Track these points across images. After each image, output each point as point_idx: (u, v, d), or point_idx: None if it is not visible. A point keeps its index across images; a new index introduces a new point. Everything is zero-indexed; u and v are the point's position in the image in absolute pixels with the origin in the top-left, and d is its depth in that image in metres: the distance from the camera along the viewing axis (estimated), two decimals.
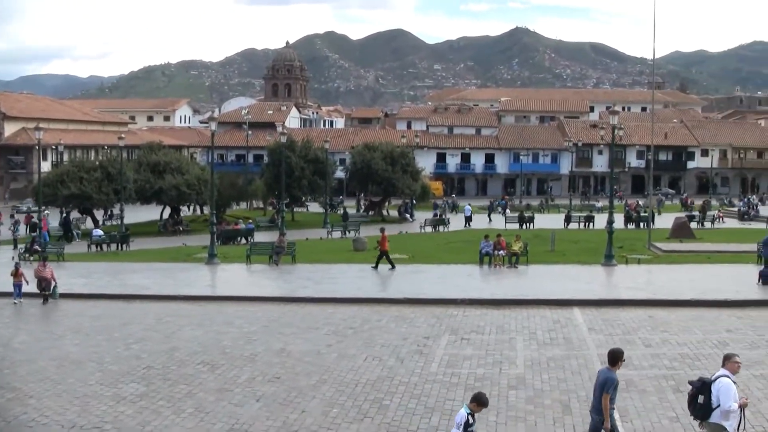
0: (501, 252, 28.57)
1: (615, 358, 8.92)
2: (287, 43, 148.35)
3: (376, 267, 27.71)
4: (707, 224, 48.54)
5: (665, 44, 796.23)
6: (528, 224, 47.79)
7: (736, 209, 58.83)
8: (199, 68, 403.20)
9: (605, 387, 8.71)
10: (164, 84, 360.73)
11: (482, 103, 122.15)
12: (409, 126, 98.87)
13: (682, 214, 49.34)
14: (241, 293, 23.17)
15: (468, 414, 8.38)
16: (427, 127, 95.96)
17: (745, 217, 53.13)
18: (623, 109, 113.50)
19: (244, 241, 41.30)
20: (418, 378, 13.47)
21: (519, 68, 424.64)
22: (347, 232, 44.75)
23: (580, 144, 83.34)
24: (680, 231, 38.82)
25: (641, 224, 46.49)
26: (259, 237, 41.71)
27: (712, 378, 8.61)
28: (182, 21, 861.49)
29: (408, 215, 56.77)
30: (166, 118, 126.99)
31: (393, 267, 27.56)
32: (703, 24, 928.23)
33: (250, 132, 72.59)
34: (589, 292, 21.92)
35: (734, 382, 8.49)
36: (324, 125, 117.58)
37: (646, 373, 13.48)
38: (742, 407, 8.42)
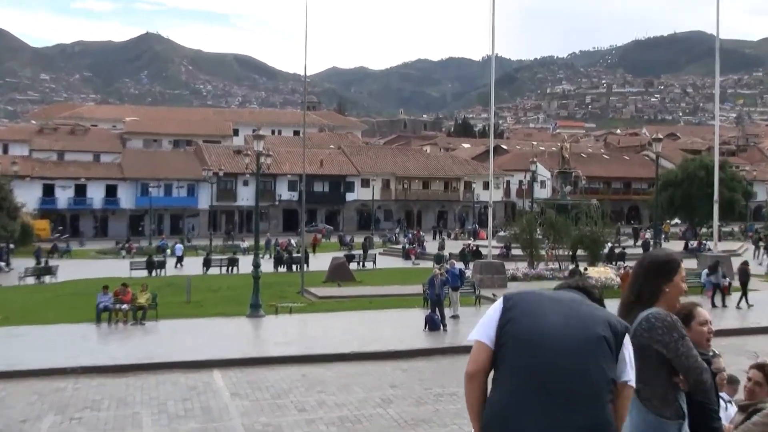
0: (124, 306, 27.43)
1: None
2: None
3: None
4: (368, 264, 51.78)
5: (322, 60, 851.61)
6: (159, 270, 46.93)
7: (400, 246, 63.70)
8: None
9: None
10: None
11: (102, 123, 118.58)
12: (5, 150, 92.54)
13: (341, 254, 52.05)
14: None
15: None
16: (31, 151, 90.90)
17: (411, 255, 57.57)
18: (273, 132, 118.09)
19: None
20: None
21: (149, 82, 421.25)
22: None
23: (221, 173, 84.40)
24: (338, 273, 40.70)
25: (293, 266, 48.06)
26: None
27: None
28: None
29: (3, 263, 52.51)
30: None
31: None
32: (364, 39, 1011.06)
33: None
34: (231, 350, 21.72)
35: None
36: None
37: None
38: None
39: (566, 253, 44.39)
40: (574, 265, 40.25)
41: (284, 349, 21.87)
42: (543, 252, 44.80)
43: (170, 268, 49.68)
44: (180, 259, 54.96)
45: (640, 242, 59.68)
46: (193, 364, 20.12)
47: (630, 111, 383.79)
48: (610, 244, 51.23)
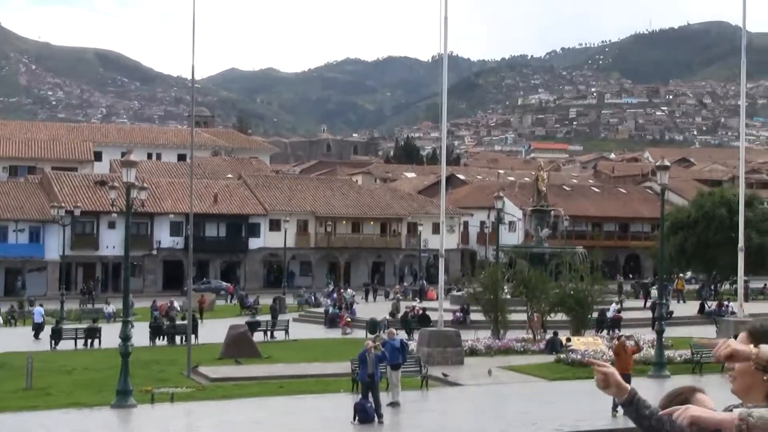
0: None
1: None
2: None
3: None
4: (279, 334, 51.72)
5: (217, 59, 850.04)
6: None
7: (322, 310, 63.73)
8: None
9: None
10: None
11: None
12: None
13: (241, 320, 51.80)
14: None
15: None
16: None
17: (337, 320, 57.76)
18: (149, 156, 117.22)
19: None
20: None
21: None
22: None
23: (78, 212, 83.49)
24: (238, 346, 40.56)
25: (177, 338, 47.72)
26: None
27: None
28: None
29: None
30: None
31: None
32: (273, 33, 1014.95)
33: None
34: None
35: None
36: None
37: None
38: None
39: (545, 317, 45.07)
40: (551, 334, 40.87)
41: None
42: (526, 317, 45.39)
43: (13, 340, 48.67)
44: (38, 328, 53.61)
45: (649, 302, 60.46)
46: None
47: (628, 129, 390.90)
48: (615, 306, 52.15)
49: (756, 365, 4.59)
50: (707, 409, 4.49)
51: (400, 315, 54.36)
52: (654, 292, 67.37)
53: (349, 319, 56.32)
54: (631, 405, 4.92)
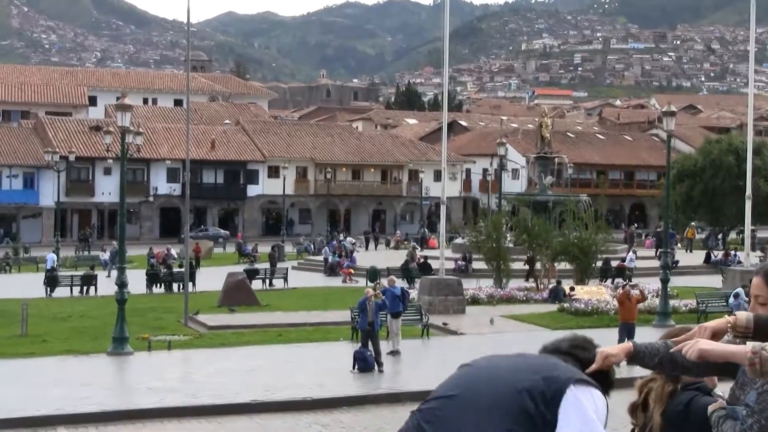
0: None
1: None
2: None
3: None
4: (278, 282, 51.88)
5: (213, 2, 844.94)
6: None
7: (321, 258, 63.75)
8: None
9: None
10: None
11: None
12: None
13: (240, 268, 51.95)
14: None
15: None
16: None
17: (334, 268, 57.93)
18: (145, 101, 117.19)
19: None
20: None
21: None
22: None
23: (73, 158, 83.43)
24: (236, 294, 40.68)
25: (174, 286, 47.88)
26: None
27: None
28: None
29: None
30: None
31: None
32: None
33: None
34: (85, 401, 21.58)
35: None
36: None
37: None
38: None
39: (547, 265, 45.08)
40: (554, 283, 40.95)
41: (160, 399, 21.81)
42: (538, 266, 45.44)
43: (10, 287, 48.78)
44: (52, 278, 51.13)
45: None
46: (30, 421, 19.91)
47: (634, 75, 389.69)
48: (632, 254, 52.33)
49: (735, 335, 4.54)
50: (716, 342, 4.46)
51: (415, 263, 53.88)
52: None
53: (352, 271, 56.14)
54: (635, 360, 4.88)
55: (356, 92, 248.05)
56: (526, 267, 47.78)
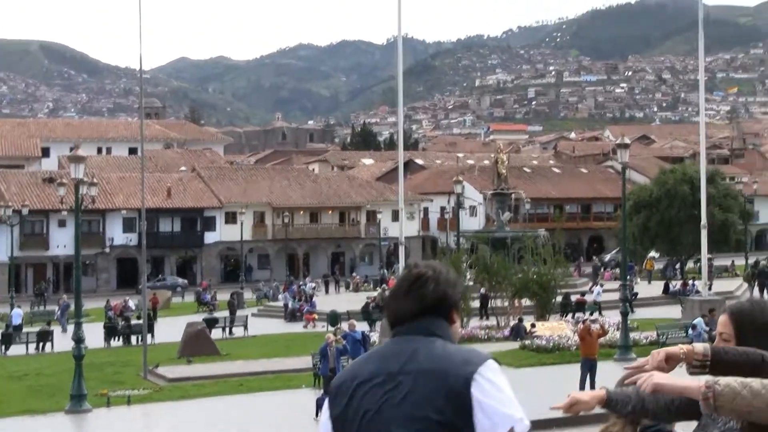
0: None
1: None
2: None
3: None
4: (238, 330, 51.77)
5: (166, 48, 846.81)
6: None
7: (281, 304, 63.74)
8: None
9: None
10: None
11: None
12: None
13: (199, 317, 51.74)
14: None
15: None
16: None
17: (297, 314, 57.96)
18: (99, 151, 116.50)
19: None
20: None
21: None
22: None
23: (26, 212, 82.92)
24: (195, 344, 40.44)
25: (132, 338, 47.62)
26: None
27: None
28: None
29: None
30: None
31: None
32: (223, 20, 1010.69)
33: None
34: None
35: None
36: None
37: None
38: None
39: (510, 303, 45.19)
40: (516, 320, 41.13)
41: None
42: (499, 303, 45.53)
43: None
44: (7, 335, 50.42)
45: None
46: None
47: (588, 107, 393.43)
48: (598, 288, 52.62)
49: (693, 365, 4.56)
50: (671, 376, 4.51)
51: (361, 307, 53.95)
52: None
53: (315, 316, 55.95)
54: (607, 408, 4.94)
55: (312, 134, 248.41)
56: (478, 305, 47.81)
